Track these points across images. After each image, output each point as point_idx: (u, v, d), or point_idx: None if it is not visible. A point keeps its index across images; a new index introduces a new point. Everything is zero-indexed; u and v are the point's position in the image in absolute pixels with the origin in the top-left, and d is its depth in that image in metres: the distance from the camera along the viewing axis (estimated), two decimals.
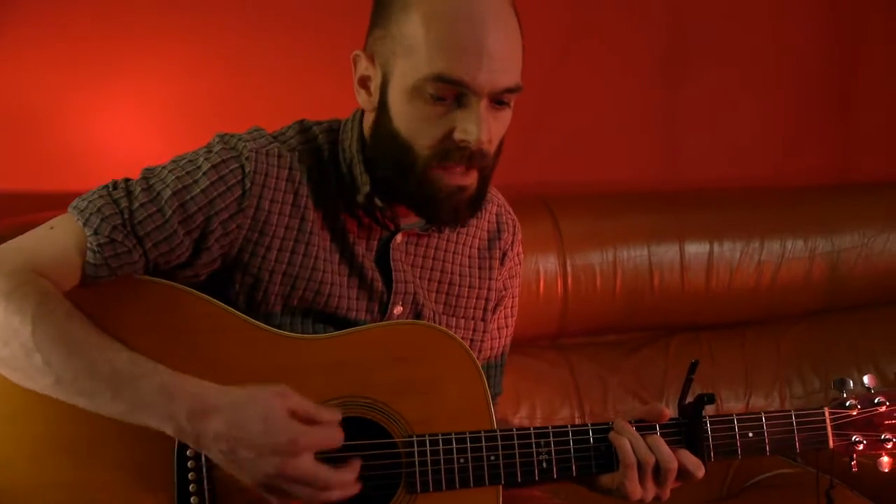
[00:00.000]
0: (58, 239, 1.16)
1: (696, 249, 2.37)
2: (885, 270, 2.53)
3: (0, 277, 1.10)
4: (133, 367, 1.09)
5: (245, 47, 2.20)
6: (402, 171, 1.20)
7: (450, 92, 1.15)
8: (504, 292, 1.46)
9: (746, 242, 2.41)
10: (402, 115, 1.18)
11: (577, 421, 2.18)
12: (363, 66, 1.22)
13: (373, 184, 1.25)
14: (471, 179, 1.21)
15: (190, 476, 1.15)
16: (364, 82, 1.23)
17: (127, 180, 1.21)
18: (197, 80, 2.17)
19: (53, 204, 2.06)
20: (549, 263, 2.24)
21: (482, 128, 1.15)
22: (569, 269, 2.26)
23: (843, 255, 2.49)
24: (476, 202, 1.24)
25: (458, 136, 1.16)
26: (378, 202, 1.25)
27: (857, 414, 1.34)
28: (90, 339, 1.11)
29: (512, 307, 1.50)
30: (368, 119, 1.25)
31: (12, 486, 1.13)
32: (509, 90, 1.17)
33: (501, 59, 1.15)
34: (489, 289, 1.43)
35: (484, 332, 1.44)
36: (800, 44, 2.76)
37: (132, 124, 2.15)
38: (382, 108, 1.20)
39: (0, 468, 1.14)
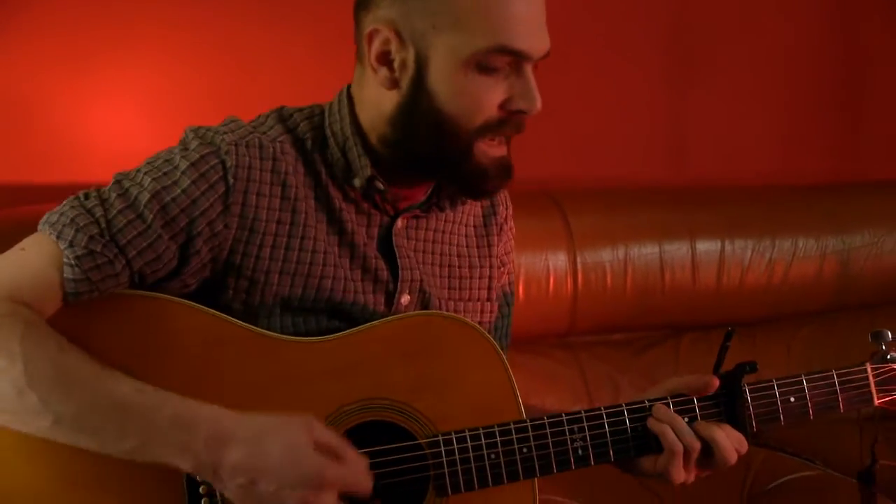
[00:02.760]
0: (31, 260, 1.07)
1: (708, 247, 2.34)
2: (894, 270, 2.50)
3: None
4: (140, 398, 1.02)
5: (239, 37, 2.17)
6: (442, 150, 1.15)
7: (505, 62, 1.12)
8: (502, 268, 1.42)
9: (758, 240, 2.38)
10: (450, 92, 1.12)
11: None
12: (382, 41, 1.13)
13: (374, 166, 1.19)
14: (505, 148, 1.19)
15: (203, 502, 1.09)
16: (384, 58, 1.14)
17: (98, 189, 1.12)
18: (189, 71, 2.14)
19: (45, 196, 2.01)
20: (559, 261, 2.21)
21: (538, 96, 1.13)
22: (579, 266, 2.23)
23: (853, 253, 2.47)
24: (511, 168, 1.19)
25: (518, 106, 1.13)
26: (379, 185, 1.19)
27: None
28: (88, 369, 1.02)
29: (510, 284, 1.45)
30: (386, 98, 1.16)
31: None
32: (548, 53, 1.16)
33: (542, 21, 1.15)
34: (490, 266, 1.38)
35: (491, 312, 1.39)
36: (807, 41, 2.75)
37: (123, 115, 2.12)
38: (418, 85, 1.13)
39: None
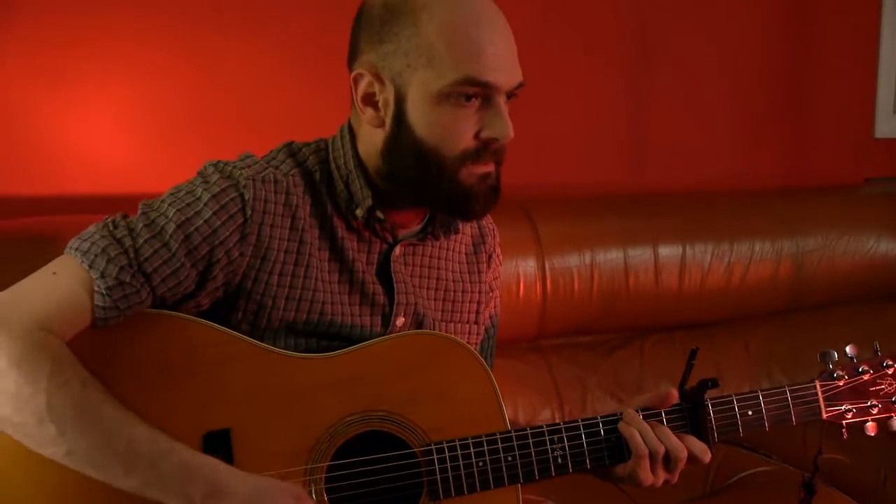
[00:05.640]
0: (63, 285, 1.13)
1: (670, 252, 2.44)
2: (845, 271, 2.64)
3: (8, 341, 1.07)
4: (151, 446, 1.09)
5: (211, 52, 2.20)
6: (429, 178, 1.22)
7: (474, 94, 1.19)
8: (490, 293, 1.50)
9: (717, 245, 2.49)
10: (427, 124, 1.20)
11: (558, 421, 2.22)
12: (366, 84, 1.22)
13: (374, 197, 1.27)
14: (491, 167, 1.25)
15: None
16: (369, 99, 1.23)
17: (125, 216, 1.19)
18: (164, 85, 2.16)
19: (27, 209, 2.05)
20: (528, 267, 2.29)
21: (509, 124, 1.21)
22: (547, 271, 2.31)
23: (807, 256, 2.59)
24: (498, 189, 1.26)
25: (488, 134, 1.20)
26: (379, 215, 1.27)
27: (845, 384, 1.40)
28: (106, 411, 1.09)
29: (496, 307, 1.54)
30: (376, 135, 1.24)
31: None
32: (521, 84, 1.23)
33: (512, 56, 1.22)
34: (479, 291, 1.46)
35: (477, 334, 1.47)
36: (762, 53, 2.86)
37: (102, 128, 2.14)
38: (399, 121, 1.21)
39: None
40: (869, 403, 1.41)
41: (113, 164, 2.15)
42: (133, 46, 2.12)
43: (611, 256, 2.38)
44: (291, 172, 1.26)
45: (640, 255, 2.41)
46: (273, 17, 2.24)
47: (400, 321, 1.33)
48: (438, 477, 1.23)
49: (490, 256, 1.49)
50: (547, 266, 2.31)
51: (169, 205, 1.20)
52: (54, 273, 1.15)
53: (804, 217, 2.62)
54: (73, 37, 2.07)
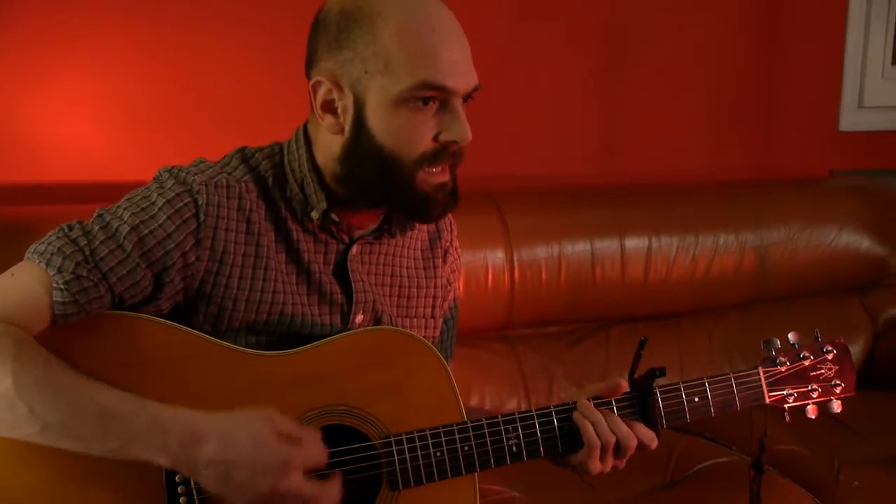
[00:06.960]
0: (21, 284, 1.16)
1: (636, 244, 2.49)
2: (807, 264, 2.70)
3: None
4: (121, 405, 1.12)
5: (183, 49, 2.22)
6: (388, 182, 1.24)
7: (432, 98, 1.21)
8: (448, 287, 1.53)
9: (682, 237, 2.54)
10: (386, 129, 1.22)
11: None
12: (325, 91, 1.24)
13: (329, 199, 1.29)
14: (448, 175, 1.28)
15: (181, 501, 1.18)
16: (329, 107, 1.25)
17: (81, 222, 1.21)
18: (135, 79, 2.19)
19: (2, 198, 2.06)
20: (496, 258, 2.32)
21: (467, 127, 1.23)
22: (516, 262, 2.34)
23: (770, 249, 2.64)
24: (455, 194, 1.29)
25: (447, 137, 1.23)
26: (334, 217, 1.30)
27: (787, 370, 1.45)
28: (73, 381, 1.12)
29: (455, 299, 1.57)
30: (335, 141, 1.27)
31: None
32: (476, 88, 1.26)
33: (467, 60, 1.25)
34: (436, 286, 1.49)
35: (435, 328, 1.50)
36: (730, 48, 2.90)
37: (75, 120, 2.16)
38: (359, 126, 1.24)
39: None
40: (809, 388, 1.46)
41: (84, 152, 2.17)
42: (110, 41, 2.14)
43: (578, 248, 2.41)
44: (244, 178, 1.28)
45: (607, 247, 2.45)
46: (247, 13, 2.26)
47: (359, 319, 1.36)
48: (398, 468, 1.26)
49: (446, 251, 1.51)
50: (515, 257, 2.34)
51: (124, 209, 1.22)
52: (12, 275, 1.18)
53: (768, 209, 2.67)
54: (51, 32, 2.09)
